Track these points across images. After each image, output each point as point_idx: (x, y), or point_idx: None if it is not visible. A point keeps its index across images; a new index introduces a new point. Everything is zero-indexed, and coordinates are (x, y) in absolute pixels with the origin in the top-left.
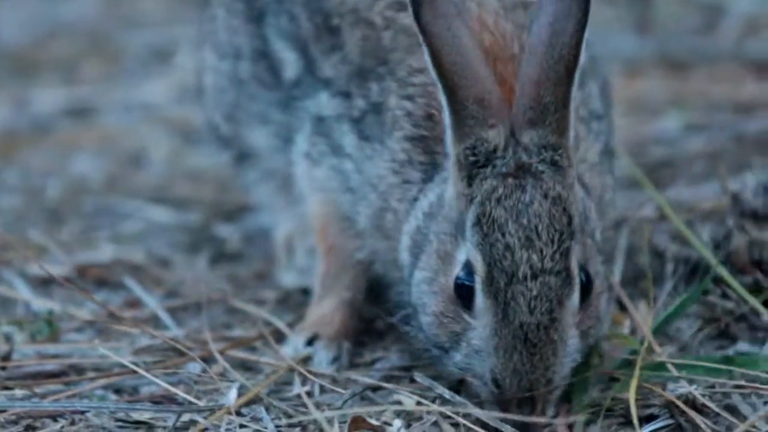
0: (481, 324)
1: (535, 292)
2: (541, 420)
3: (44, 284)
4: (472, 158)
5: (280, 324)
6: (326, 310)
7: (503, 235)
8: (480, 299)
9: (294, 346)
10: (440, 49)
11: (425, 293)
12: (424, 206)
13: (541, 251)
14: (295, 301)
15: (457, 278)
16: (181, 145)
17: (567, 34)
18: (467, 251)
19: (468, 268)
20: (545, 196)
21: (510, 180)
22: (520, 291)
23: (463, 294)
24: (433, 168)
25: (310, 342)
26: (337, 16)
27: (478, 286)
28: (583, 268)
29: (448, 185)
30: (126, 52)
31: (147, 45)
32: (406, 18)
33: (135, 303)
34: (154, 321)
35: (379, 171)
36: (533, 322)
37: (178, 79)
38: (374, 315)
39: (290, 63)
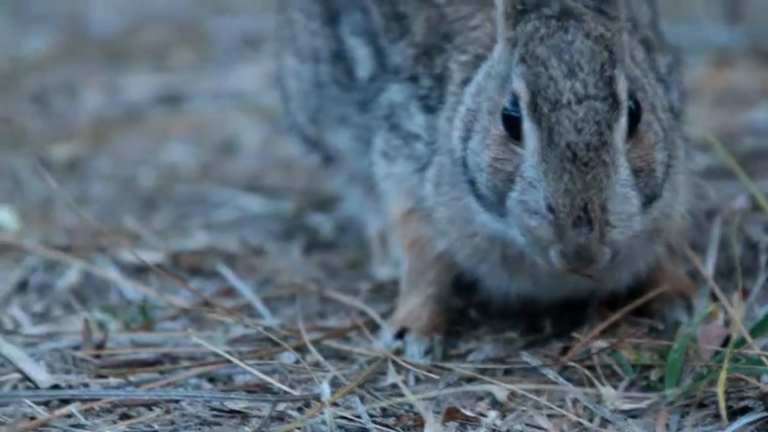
0: (529, 152)
1: (581, 115)
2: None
3: (138, 272)
4: (519, 6)
5: (374, 314)
6: (413, 306)
7: (546, 68)
8: (527, 125)
9: (384, 339)
10: None
11: (479, 152)
12: (471, 90)
13: (584, 81)
14: (389, 292)
15: (504, 110)
16: (272, 133)
17: None
18: (513, 86)
19: (514, 98)
20: (587, 36)
21: (553, 21)
22: (566, 114)
23: (511, 124)
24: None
25: (400, 335)
26: (403, 2)
27: (524, 112)
28: (632, 97)
29: (497, 45)
30: (216, 40)
31: (237, 32)
32: None
33: (229, 291)
34: (248, 310)
35: (441, 130)
36: (581, 141)
37: (268, 66)
38: (466, 306)
39: (364, 61)
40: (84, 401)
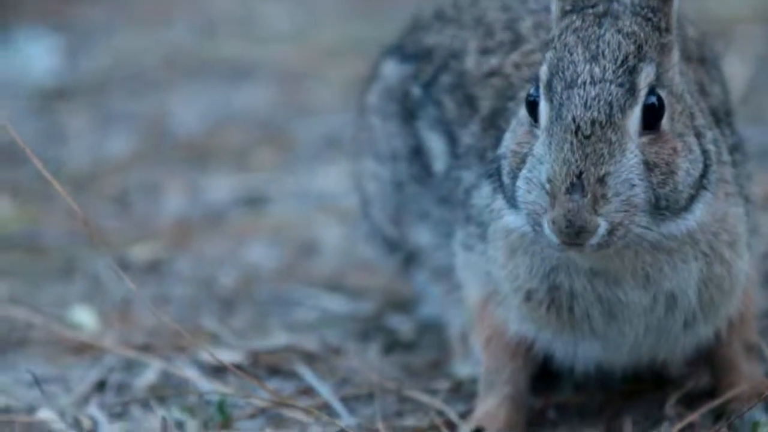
0: (540, 129)
1: (592, 94)
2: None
3: (217, 372)
4: (568, 7)
5: (453, 414)
6: (490, 406)
7: (570, 53)
8: (541, 104)
9: None
10: None
11: (505, 147)
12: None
13: (604, 66)
14: (469, 391)
15: (528, 96)
16: (353, 233)
17: None
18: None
19: (535, 81)
20: (619, 31)
21: (591, 17)
22: (576, 92)
23: (532, 108)
24: None
25: None
26: (475, 86)
27: (540, 93)
28: (656, 91)
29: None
30: (299, 140)
31: (320, 133)
32: (535, 57)
33: (307, 391)
34: (327, 409)
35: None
36: (587, 116)
37: (349, 167)
38: (545, 406)
39: (439, 155)
40: None
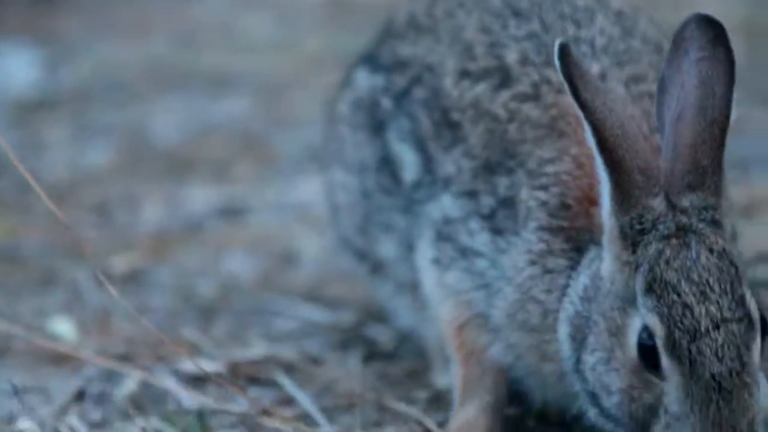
0: (672, 387)
1: (720, 341)
2: None
3: (196, 381)
4: (638, 227)
5: (431, 424)
6: (469, 416)
7: (678, 295)
8: (665, 360)
9: None
10: (602, 122)
11: (603, 374)
12: (578, 290)
13: (718, 302)
14: (447, 401)
15: (640, 339)
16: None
17: (717, 96)
18: (642, 318)
19: (646, 331)
20: (711, 251)
21: (674, 241)
22: (706, 343)
23: (647, 354)
24: (577, 254)
25: None
26: (457, 111)
27: (661, 349)
28: (761, 311)
29: (605, 261)
30: (278, 152)
31: (299, 144)
32: (532, 109)
33: (287, 400)
34: (306, 419)
35: (516, 263)
36: (724, 370)
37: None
38: (522, 414)
39: (410, 165)
40: None
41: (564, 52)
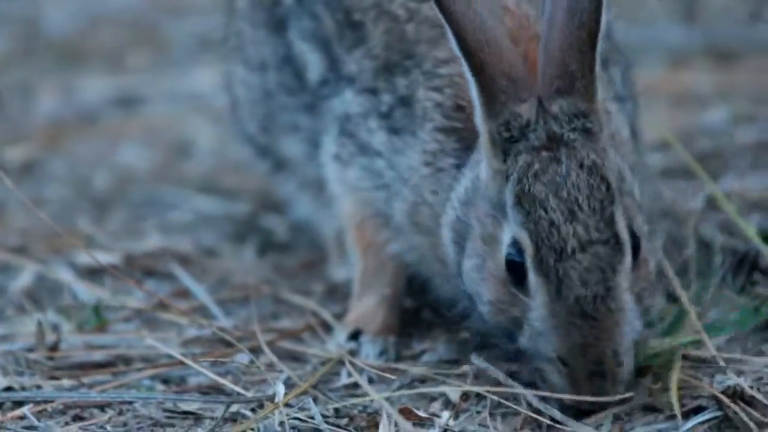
0: (537, 303)
1: (586, 264)
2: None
3: (92, 274)
4: (506, 134)
5: (328, 315)
6: (367, 307)
7: (545, 211)
8: (532, 277)
9: (337, 341)
10: (464, 28)
11: (476, 281)
12: (460, 194)
13: (585, 223)
14: (343, 293)
15: (508, 255)
16: (227, 135)
17: (586, 0)
18: (512, 231)
19: (516, 246)
20: (581, 166)
21: (544, 153)
22: (571, 266)
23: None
24: (466, 153)
25: (353, 337)
26: (359, 11)
27: (529, 265)
28: (630, 230)
29: (482, 166)
30: (172, 41)
31: (193, 34)
32: (429, 10)
33: (183, 293)
34: (202, 311)
35: (411, 163)
36: (588, 294)
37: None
38: (419, 307)
39: (314, 64)
40: (37, 403)
41: None
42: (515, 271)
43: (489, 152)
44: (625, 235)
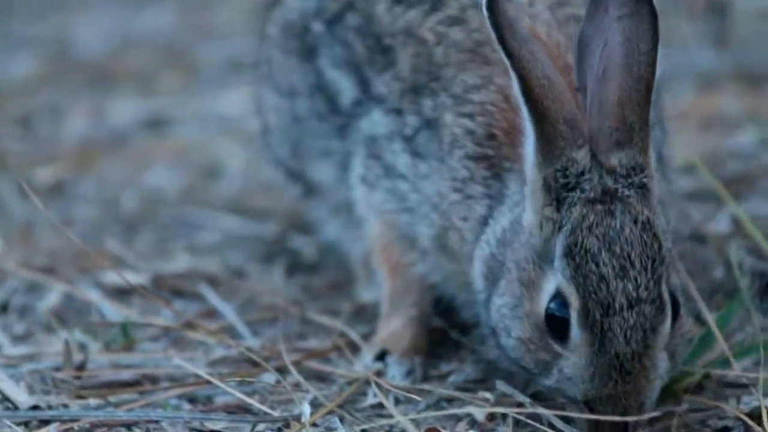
0: (576, 355)
1: (631, 322)
2: None
3: (120, 294)
4: (562, 180)
5: (355, 335)
6: (395, 327)
7: (597, 265)
8: (576, 332)
9: (364, 361)
10: (528, 73)
11: (507, 318)
12: (497, 232)
13: (636, 280)
14: (370, 314)
15: (548, 309)
16: (256, 156)
17: (642, 53)
18: (558, 282)
19: (560, 299)
20: (635, 222)
21: (599, 206)
22: (617, 322)
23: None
24: (498, 183)
25: (380, 357)
26: (389, 36)
27: (574, 320)
28: (672, 294)
29: (527, 211)
30: (202, 64)
31: (223, 56)
32: (458, 33)
33: (210, 313)
34: (230, 331)
35: (440, 189)
36: (628, 351)
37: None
38: (447, 327)
39: (347, 89)
40: (64, 422)
41: (492, 2)
42: (556, 325)
43: (541, 200)
44: (666, 298)
